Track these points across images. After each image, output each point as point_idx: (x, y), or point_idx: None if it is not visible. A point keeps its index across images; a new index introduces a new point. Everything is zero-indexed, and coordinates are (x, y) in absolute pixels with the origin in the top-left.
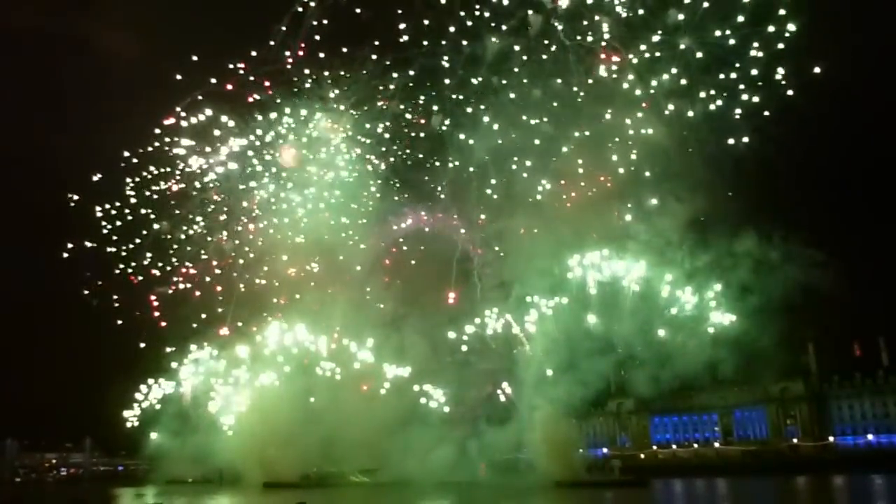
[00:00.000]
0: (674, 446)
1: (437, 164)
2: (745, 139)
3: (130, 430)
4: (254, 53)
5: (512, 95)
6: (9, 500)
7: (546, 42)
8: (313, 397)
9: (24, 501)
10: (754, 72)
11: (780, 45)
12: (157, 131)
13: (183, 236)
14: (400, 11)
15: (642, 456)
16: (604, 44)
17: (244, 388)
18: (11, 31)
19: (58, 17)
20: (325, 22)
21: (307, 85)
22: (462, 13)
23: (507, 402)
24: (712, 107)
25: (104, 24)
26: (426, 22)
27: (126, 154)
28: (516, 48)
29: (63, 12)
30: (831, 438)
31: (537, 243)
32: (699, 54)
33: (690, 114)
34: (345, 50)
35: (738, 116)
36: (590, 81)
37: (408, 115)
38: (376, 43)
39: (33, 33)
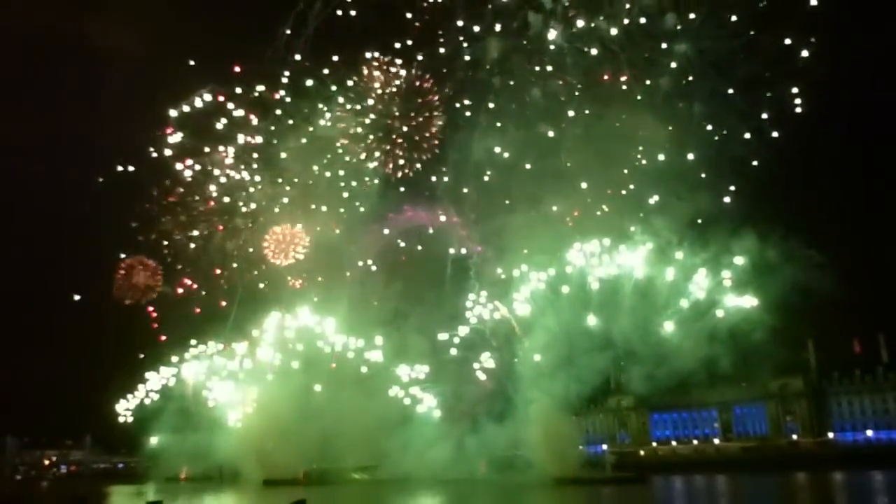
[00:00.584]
0: (673, 443)
1: (438, 164)
2: (755, 163)
3: (130, 427)
4: (257, 55)
5: (512, 98)
6: (9, 497)
7: (551, 47)
8: (317, 386)
9: (23, 499)
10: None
11: (779, 50)
12: (159, 133)
13: (181, 239)
14: (407, 15)
15: (642, 452)
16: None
17: (245, 384)
18: (11, 30)
19: (60, 18)
20: (327, 24)
21: (309, 86)
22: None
23: (490, 381)
24: (715, 132)
25: (107, 25)
26: (427, 24)
27: (125, 157)
28: (512, 59)
29: (65, 12)
30: (831, 435)
31: (537, 239)
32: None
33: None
34: (336, 58)
35: (739, 120)
36: (580, 86)
37: (408, 116)
38: (373, 53)
39: (33, 33)
